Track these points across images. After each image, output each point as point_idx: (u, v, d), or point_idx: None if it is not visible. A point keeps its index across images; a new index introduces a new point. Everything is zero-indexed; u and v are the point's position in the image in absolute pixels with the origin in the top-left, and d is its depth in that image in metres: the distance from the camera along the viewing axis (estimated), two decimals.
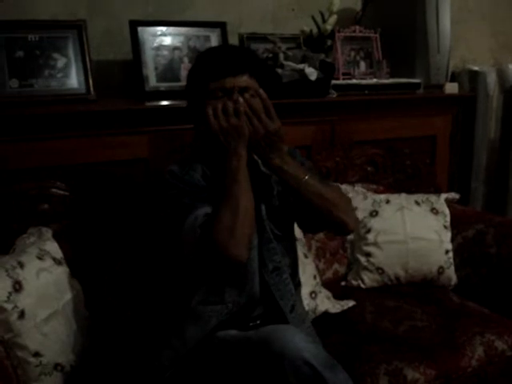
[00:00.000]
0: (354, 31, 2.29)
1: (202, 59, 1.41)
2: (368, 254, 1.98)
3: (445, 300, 1.88)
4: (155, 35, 1.96)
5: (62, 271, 1.48)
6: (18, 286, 1.30)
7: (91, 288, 1.59)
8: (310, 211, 1.36)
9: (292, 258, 1.47)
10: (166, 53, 1.97)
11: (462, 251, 2.01)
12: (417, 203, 2.04)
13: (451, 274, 1.99)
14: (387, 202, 2.03)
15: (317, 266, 1.91)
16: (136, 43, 1.91)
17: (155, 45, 1.95)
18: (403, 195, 2.08)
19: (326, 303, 1.77)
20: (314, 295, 1.75)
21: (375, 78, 2.29)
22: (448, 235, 2.02)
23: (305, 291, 1.65)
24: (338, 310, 1.78)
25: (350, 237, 2.01)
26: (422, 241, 1.98)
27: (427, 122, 2.38)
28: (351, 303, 1.81)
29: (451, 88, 2.44)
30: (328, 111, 2.11)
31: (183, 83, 1.52)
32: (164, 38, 1.97)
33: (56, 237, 1.55)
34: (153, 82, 1.94)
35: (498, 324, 1.67)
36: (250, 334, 1.28)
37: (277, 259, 1.38)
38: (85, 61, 1.82)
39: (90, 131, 1.70)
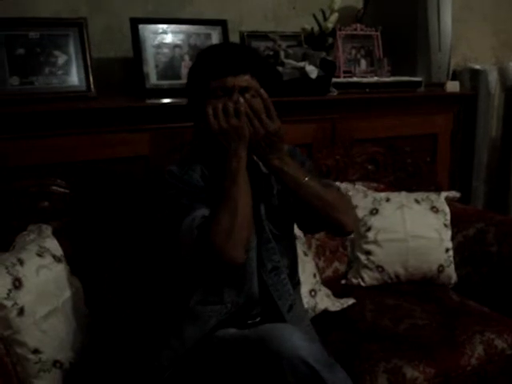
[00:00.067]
0: (355, 29, 2.29)
1: (203, 57, 1.38)
2: (368, 252, 1.98)
3: (445, 298, 1.88)
4: (156, 33, 1.96)
5: (61, 268, 1.48)
6: (17, 283, 1.31)
7: (91, 285, 1.59)
8: (309, 212, 1.34)
9: (291, 258, 1.47)
10: (166, 50, 1.97)
11: (462, 250, 2.01)
12: (417, 201, 2.03)
13: (451, 272, 1.98)
14: (387, 200, 2.03)
15: (317, 264, 1.90)
16: (137, 41, 1.91)
17: (156, 42, 1.96)
18: (403, 193, 2.08)
19: (326, 301, 1.77)
20: (313, 293, 1.74)
21: (376, 76, 2.29)
22: (448, 234, 2.01)
23: (304, 289, 1.64)
24: (338, 308, 1.77)
25: (351, 235, 2.01)
26: (422, 239, 1.98)
27: (428, 121, 2.38)
28: (351, 301, 1.81)
29: (452, 86, 2.44)
30: (329, 109, 2.11)
31: (184, 81, 1.51)
32: (165, 35, 1.97)
33: (56, 234, 1.55)
34: (153, 79, 1.94)
35: (498, 323, 1.67)
36: (248, 332, 1.27)
37: (275, 259, 1.38)
38: (85, 58, 1.82)
39: (90, 129, 1.70)
